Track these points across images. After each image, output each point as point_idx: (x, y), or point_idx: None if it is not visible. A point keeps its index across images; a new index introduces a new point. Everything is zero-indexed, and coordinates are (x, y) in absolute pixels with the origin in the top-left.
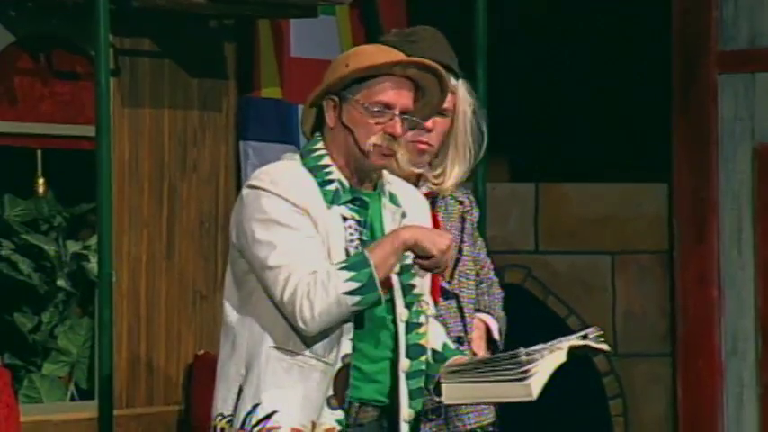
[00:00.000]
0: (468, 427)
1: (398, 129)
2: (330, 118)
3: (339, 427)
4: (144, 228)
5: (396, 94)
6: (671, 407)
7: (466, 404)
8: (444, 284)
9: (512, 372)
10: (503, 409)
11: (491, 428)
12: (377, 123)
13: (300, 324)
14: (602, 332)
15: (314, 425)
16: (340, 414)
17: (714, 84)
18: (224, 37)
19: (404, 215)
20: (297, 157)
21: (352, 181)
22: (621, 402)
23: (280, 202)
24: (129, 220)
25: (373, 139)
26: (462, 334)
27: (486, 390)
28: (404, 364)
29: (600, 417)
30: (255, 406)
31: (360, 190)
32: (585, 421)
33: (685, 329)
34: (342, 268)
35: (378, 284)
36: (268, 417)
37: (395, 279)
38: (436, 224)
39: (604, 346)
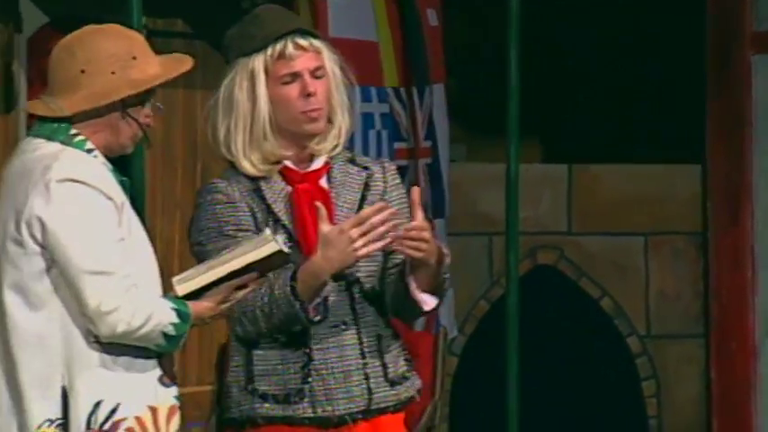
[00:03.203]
0: (338, 413)
1: (152, 122)
2: (109, 107)
3: (178, 403)
4: (176, 209)
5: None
6: (704, 388)
7: (201, 287)
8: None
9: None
10: (531, 394)
11: (360, 416)
12: (146, 113)
13: (120, 330)
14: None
15: (153, 409)
16: (175, 390)
17: (748, 64)
18: None
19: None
20: (57, 145)
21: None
22: (654, 383)
23: (94, 195)
24: (161, 201)
25: (131, 133)
26: (349, 318)
27: (226, 267)
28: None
29: (633, 398)
30: (98, 404)
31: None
32: (618, 403)
33: (719, 311)
34: (173, 308)
35: (182, 341)
36: (113, 411)
37: None
38: (325, 197)
39: (288, 250)
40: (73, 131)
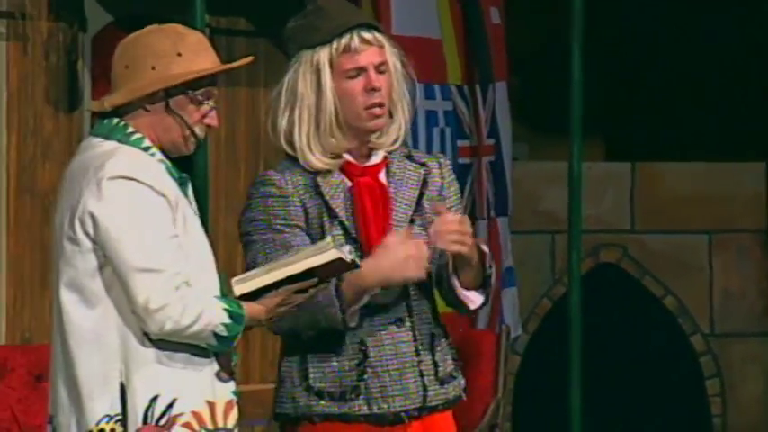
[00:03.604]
0: (393, 410)
1: (216, 121)
2: (153, 104)
3: (236, 398)
4: (240, 207)
5: (214, 87)
6: None
7: (258, 289)
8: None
9: (314, 250)
10: (593, 392)
11: (416, 413)
12: (201, 114)
13: (168, 328)
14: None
15: (211, 403)
16: (233, 385)
17: None
18: None
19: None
20: (115, 143)
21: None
22: (719, 382)
23: (146, 192)
24: (224, 199)
25: (197, 129)
26: (405, 314)
27: (286, 270)
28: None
29: (697, 397)
30: (154, 398)
31: (179, 168)
32: (682, 401)
33: None
34: (225, 309)
35: (235, 342)
36: (170, 406)
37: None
38: (384, 193)
39: (354, 258)
40: (130, 130)
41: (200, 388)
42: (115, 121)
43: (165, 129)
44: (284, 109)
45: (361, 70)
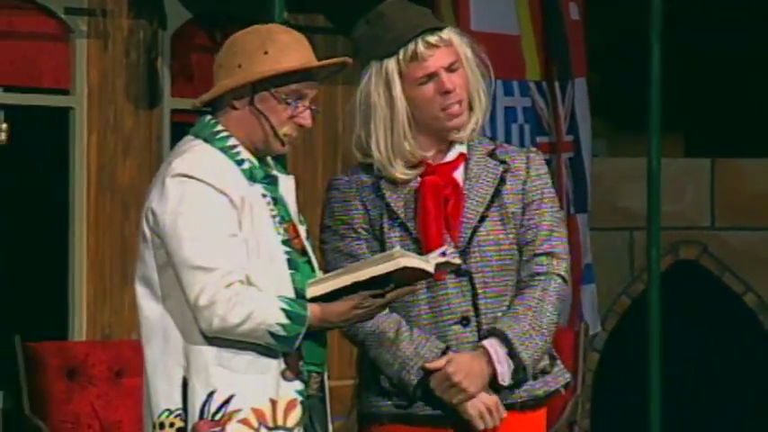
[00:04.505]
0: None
1: (310, 121)
2: (239, 101)
3: (300, 398)
4: (318, 204)
5: (310, 87)
6: None
7: (329, 292)
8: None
9: (381, 258)
10: (673, 390)
11: (562, 389)
12: (290, 113)
13: (216, 325)
14: (456, 248)
15: (273, 401)
16: (299, 385)
17: None
18: None
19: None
20: (199, 141)
21: (258, 159)
22: None
23: (205, 190)
24: (303, 196)
25: (285, 129)
26: (471, 314)
27: (352, 276)
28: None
29: None
30: (211, 394)
31: (267, 167)
32: (763, 399)
33: None
34: (282, 309)
35: (297, 342)
36: (227, 402)
37: (308, 246)
38: (456, 190)
39: (458, 261)
40: (218, 128)
41: (263, 386)
42: (207, 118)
43: (251, 127)
44: (361, 123)
45: (433, 75)
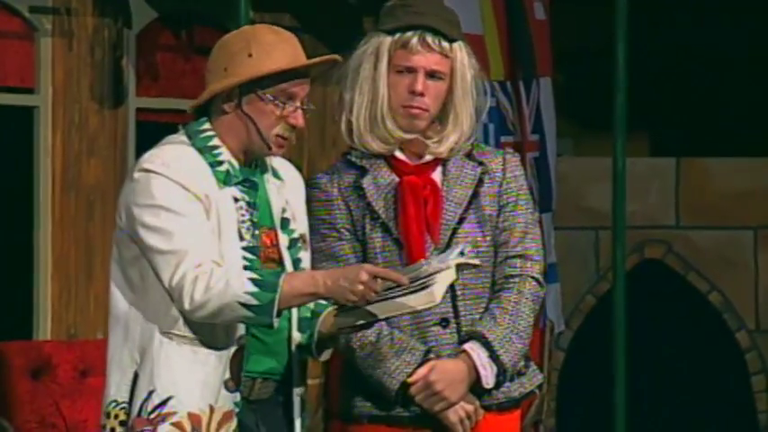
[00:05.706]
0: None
1: (301, 120)
2: (228, 104)
3: (237, 409)
4: None
5: (299, 86)
6: None
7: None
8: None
9: (414, 284)
10: (638, 389)
11: (537, 390)
12: (279, 113)
13: (186, 306)
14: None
15: (212, 409)
16: (237, 396)
17: None
18: (364, 12)
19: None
20: (183, 137)
21: (241, 162)
22: (764, 378)
23: (171, 186)
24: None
25: (276, 130)
26: (450, 315)
27: (384, 307)
28: (295, 336)
29: (742, 393)
30: (151, 392)
31: (249, 171)
32: (728, 398)
33: None
34: (251, 278)
35: (274, 312)
36: (163, 403)
37: (285, 254)
38: (435, 191)
39: (476, 261)
40: (205, 127)
41: (203, 391)
42: (201, 120)
43: (240, 130)
44: (349, 85)
45: (412, 70)
